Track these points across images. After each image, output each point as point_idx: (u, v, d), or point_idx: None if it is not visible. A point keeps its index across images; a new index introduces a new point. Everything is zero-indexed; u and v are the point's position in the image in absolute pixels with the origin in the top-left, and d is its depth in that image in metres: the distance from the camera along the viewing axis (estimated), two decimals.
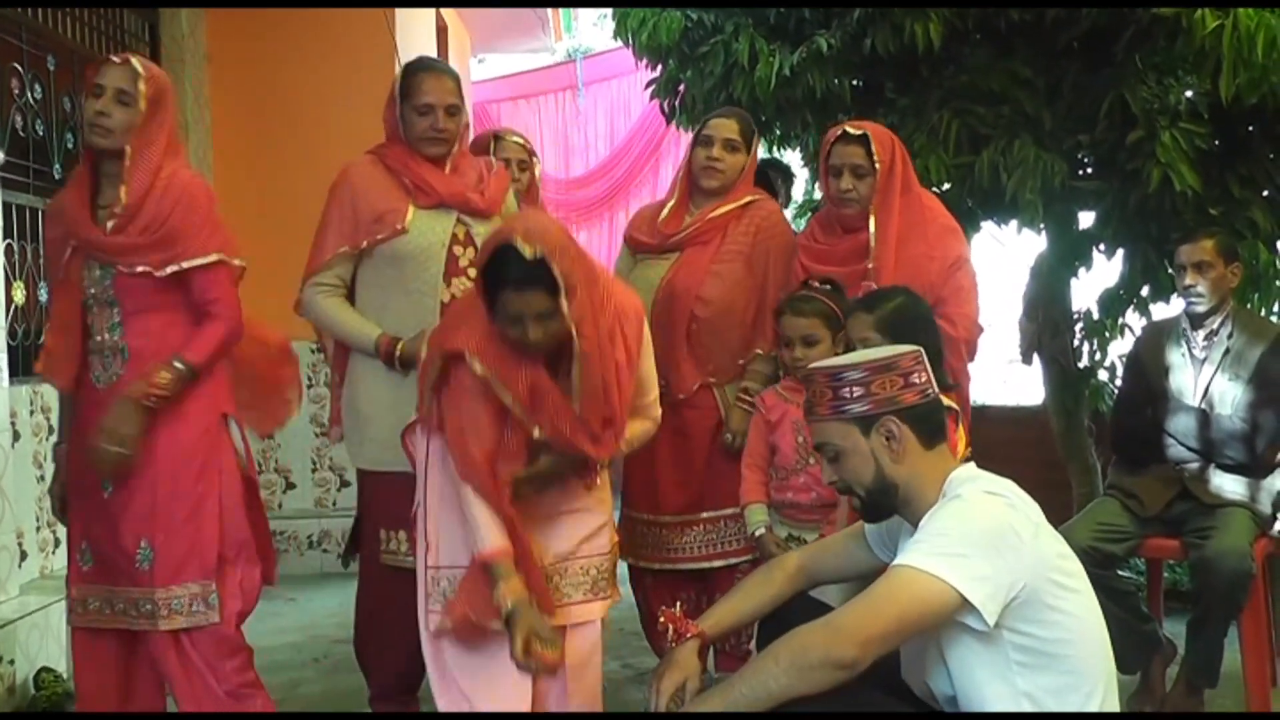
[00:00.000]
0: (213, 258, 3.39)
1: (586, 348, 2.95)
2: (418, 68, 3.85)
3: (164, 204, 3.32)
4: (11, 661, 4.30)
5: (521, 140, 4.47)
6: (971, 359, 3.85)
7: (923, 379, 2.47)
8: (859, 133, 3.83)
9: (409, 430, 3.33)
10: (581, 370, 2.97)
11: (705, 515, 4.10)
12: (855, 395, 2.43)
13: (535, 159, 4.57)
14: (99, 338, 3.36)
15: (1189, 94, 4.77)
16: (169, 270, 3.32)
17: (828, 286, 3.70)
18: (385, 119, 3.88)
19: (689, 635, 2.65)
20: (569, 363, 3.00)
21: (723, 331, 4.05)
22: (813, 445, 2.61)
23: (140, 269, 3.30)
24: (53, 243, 3.35)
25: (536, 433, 3.02)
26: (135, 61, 3.32)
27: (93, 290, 3.34)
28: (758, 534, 3.76)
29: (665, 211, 4.17)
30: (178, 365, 3.29)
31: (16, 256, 5.12)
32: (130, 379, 3.30)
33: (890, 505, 2.49)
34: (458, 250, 3.76)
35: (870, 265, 3.79)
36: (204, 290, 3.40)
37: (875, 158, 3.79)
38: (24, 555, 4.89)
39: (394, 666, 3.80)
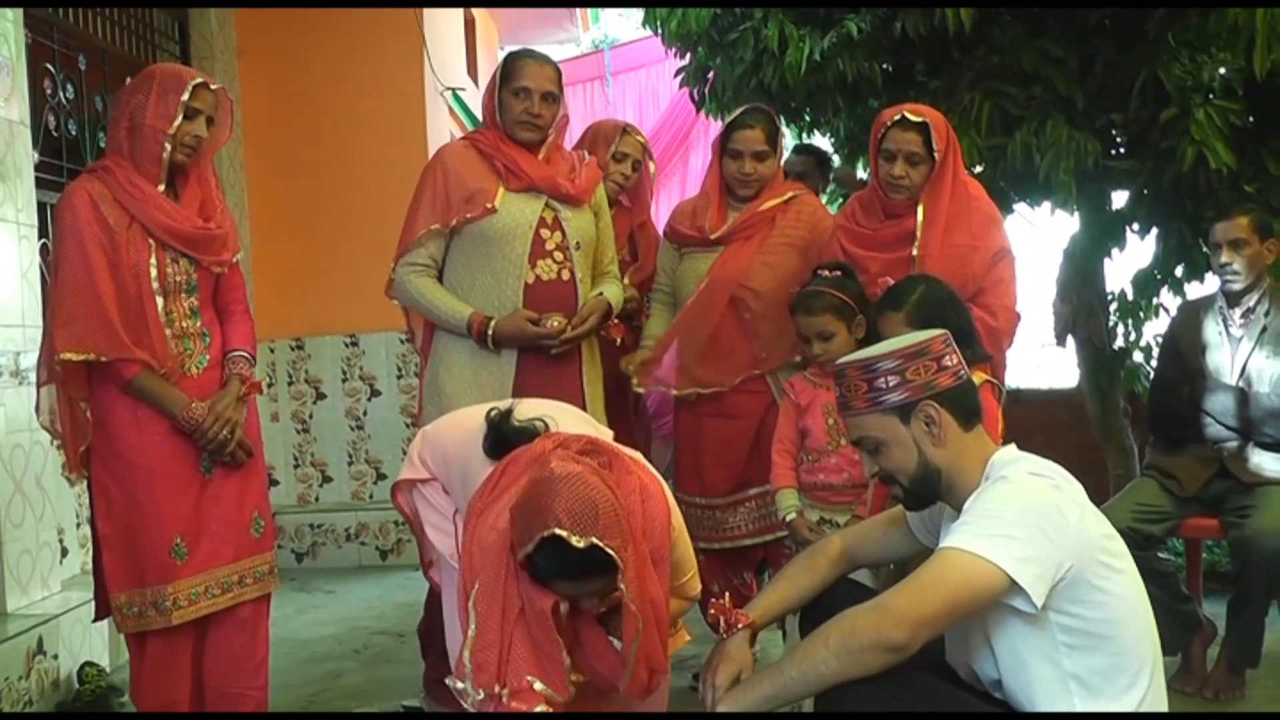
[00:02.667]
0: (239, 255, 3.62)
1: (636, 618, 2.58)
2: (520, 54, 3.92)
3: (223, 207, 3.57)
4: (55, 656, 4.34)
5: (643, 140, 4.54)
6: (1008, 348, 3.83)
7: (954, 361, 2.46)
8: (919, 120, 3.75)
9: (400, 489, 3.24)
10: (636, 644, 2.61)
11: (754, 492, 4.12)
12: (891, 385, 2.42)
13: (651, 160, 4.61)
14: (181, 324, 3.42)
15: (1222, 70, 4.71)
16: (228, 265, 3.56)
17: (838, 273, 3.70)
18: (483, 104, 3.97)
19: (740, 626, 2.63)
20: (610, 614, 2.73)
21: (775, 320, 4.03)
22: (850, 440, 2.59)
23: (216, 265, 3.51)
24: (107, 228, 3.30)
25: (575, 677, 2.72)
26: (222, 89, 3.47)
27: (177, 279, 3.40)
28: (789, 519, 3.77)
29: (708, 215, 4.18)
30: (243, 354, 3.56)
31: (52, 256, 5.15)
32: (215, 363, 3.50)
33: (933, 493, 2.48)
34: (545, 233, 3.84)
35: (915, 253, 3.75)
36: (235, 286, 3.64)
37: (934, 147, 3.74)
38: (65, 552, 4.94)
39: None
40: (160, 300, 3.36)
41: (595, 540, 2.47)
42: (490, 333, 3.74)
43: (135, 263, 3.32)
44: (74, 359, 3.24)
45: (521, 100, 3.80)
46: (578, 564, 2.50)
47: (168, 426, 3.35)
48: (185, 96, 3.33)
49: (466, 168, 3.85)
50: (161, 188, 3.38)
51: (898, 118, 3.77)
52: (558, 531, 2.46)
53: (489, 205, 3.77)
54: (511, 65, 3.85)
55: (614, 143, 4.44)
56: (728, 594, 2.84)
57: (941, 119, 3.85)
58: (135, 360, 3.28)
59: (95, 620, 3.63)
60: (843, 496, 3.72)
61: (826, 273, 3.71)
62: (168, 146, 3.33)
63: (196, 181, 3.50)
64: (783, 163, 4.35)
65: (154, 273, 3.35)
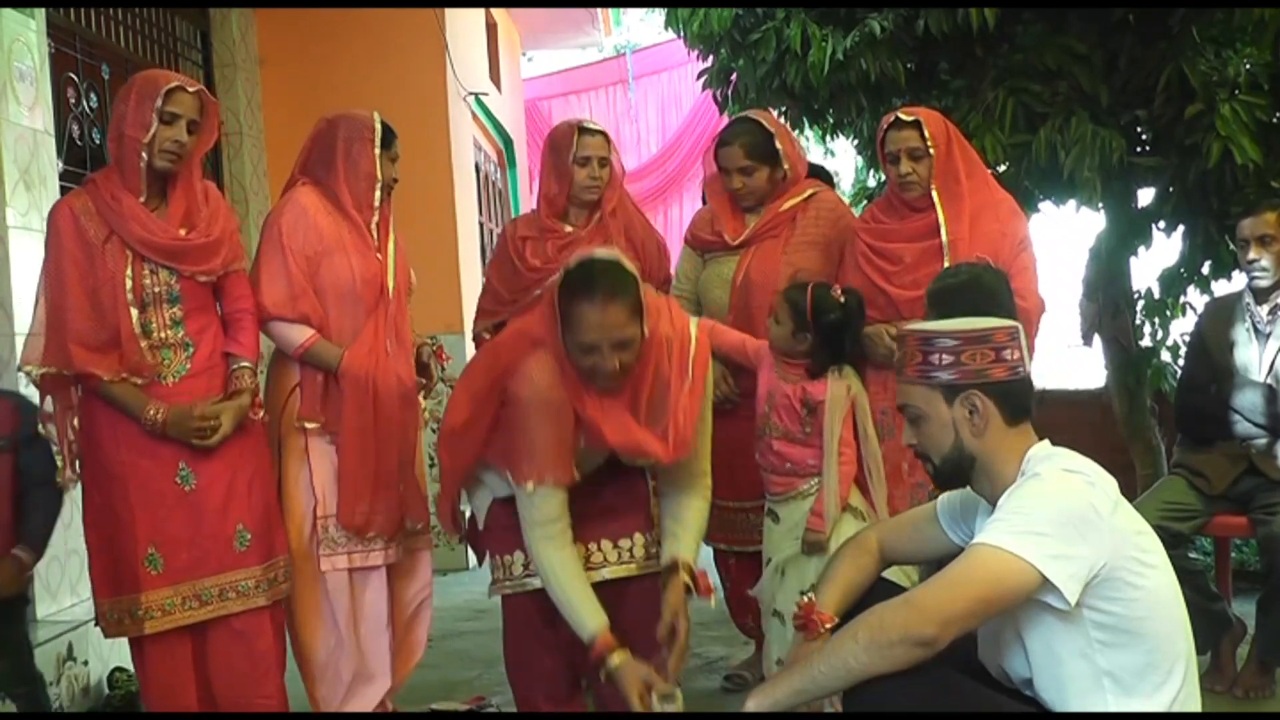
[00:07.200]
0: (244, 264, 3.63)
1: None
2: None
3: (214, 213, 3.53)
4: (85, 662, 4.36)
5: (604, 133, 4.32)
6: (1036, 334, 3.84)
7: (1015, 355, 2.42)
8: (911, 119, 3.86)
9: None
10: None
11: None
12: (944, 363, 2.40)
13: (614, 150, 4.45)
14: (161, 335, 3.40)
15: (1248, 65, 4.70)
16: (216, 274, 3.51)
17: (846, 296, 3.71)
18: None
19: (828, 626, 2.56)
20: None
21: None
22: (895, 405, 2.56)
23: (202, 275, 3.46)
24: (85, 242, 3.32)
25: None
26: (202, 90, 3.43)
27: (156, 290, 3.39)
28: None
29: (726, 221, 4.20)
30: (247, 366, 3.51)
31: None
32: (198, 371, 3.45)
33: (963, 477, 2.47)
34: None
35: (944, 241, 3.80)
36: (240, 296, 3.61)
37: (929, 142, 3.82)
38: None
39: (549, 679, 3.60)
40: (136, 312, 3.35)
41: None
42: None
43: (112, 274, 3.33)
44: (34, 373, 3.31)
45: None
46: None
47: (144, 438, 3.36)
48: (159, 102, 3.30)
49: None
50: (143, 198, 3.38)
51: (892, 119, 3.90)
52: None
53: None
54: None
55: (572, 148, 4.20)
56: (809, 595, 2.77)
57: (934, 114, 3.98)
58: (94, 374, 3.30)
59: (95, 624, 3.63)
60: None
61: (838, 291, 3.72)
62: (144, 155, 3.32)
63: (183, 190, 3.47)
64: None
65: (129, 284, 3.34)
